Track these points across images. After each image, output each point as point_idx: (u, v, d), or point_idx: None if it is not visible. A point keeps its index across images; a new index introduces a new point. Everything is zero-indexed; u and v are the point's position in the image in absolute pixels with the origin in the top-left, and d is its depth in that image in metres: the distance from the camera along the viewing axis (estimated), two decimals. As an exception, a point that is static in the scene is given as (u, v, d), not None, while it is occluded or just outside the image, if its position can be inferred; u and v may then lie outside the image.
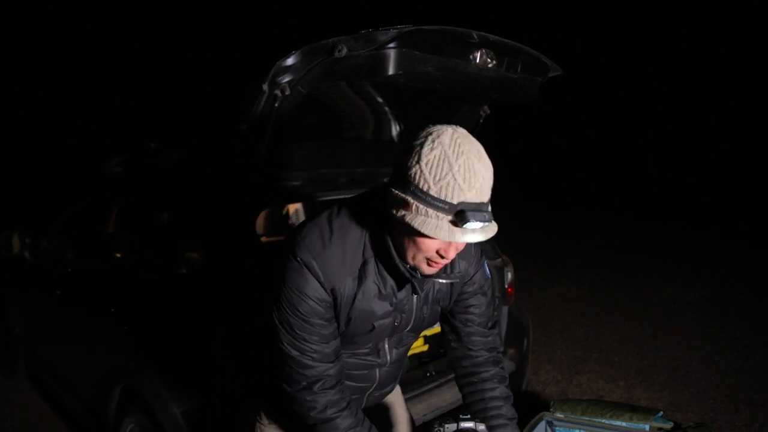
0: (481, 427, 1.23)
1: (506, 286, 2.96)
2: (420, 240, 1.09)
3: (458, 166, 1.01)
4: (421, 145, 1.04)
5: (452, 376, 2.57)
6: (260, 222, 2.86)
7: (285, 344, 1.22)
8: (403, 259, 1.18)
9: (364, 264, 1.22)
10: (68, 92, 12.60)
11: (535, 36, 4.34)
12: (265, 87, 1.70)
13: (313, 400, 1.23)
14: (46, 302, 3.15)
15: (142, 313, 2.37)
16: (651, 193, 13.01)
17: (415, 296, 1.31)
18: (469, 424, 1.18)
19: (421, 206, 1.03)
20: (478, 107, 2.41)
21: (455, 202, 1.01)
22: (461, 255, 1.34)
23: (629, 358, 4.21)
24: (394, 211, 1.08)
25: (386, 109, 2.62)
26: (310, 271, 1.17)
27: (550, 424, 2.10)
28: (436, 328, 3.08)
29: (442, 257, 1.12)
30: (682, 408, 3.46)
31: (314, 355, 1.22)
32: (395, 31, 1.57)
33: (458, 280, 1.33)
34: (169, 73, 13.36)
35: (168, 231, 3.02)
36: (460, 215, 1.00)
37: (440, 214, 1.02)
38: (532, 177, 14.51)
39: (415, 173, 1.03)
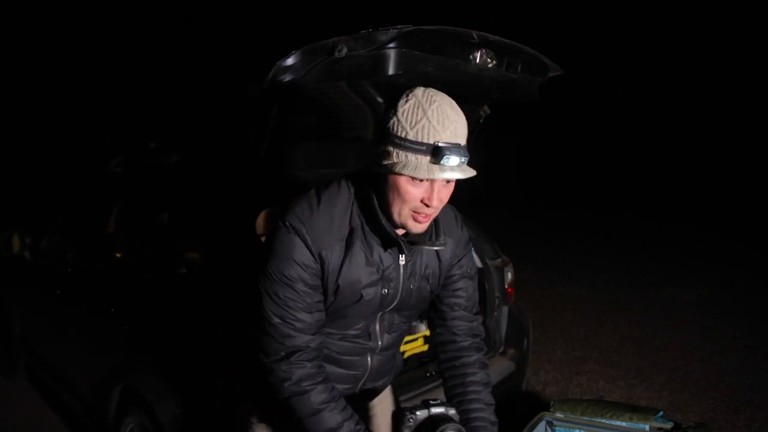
0: (452, 411, 1.22)
1: (506, 286, 2.96)
2: (404, 189, 1.15)
3: (431, 111, 1.10)
4: (396, 101, 1.14)
5: (452, 376, 2.58)
6: (260, 222, 2.85)
7: (268, 312, 1.23)
8: (390, 220, 1.22)
9: (351, 232, 1.25)
10: (68, 92, 12.60)
11: (535, 36, 4.34)
12: (265, 87, 1.70)
13: (288, 371, 1.23)
14: (46, 302, 3.15)
15: (142, 313, 2.37)
16: (651, 193, 13.01)
17: (402, 265, 1.31)
18: (440, 410, 1.17)
19: (400, 152, 1.11)
20: (478, 107, 2.41)
21: (431, 141, 1.09)
22: (447, 231, 1.38)
23: (629, 358, 4.21)
24: (378, 167, 1.16)
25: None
26: (298, 235, 1.21)
27: (550, 424, 2.10)
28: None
29: (427, 206, 1.17)
30: (682, 408, 3.46)
31: (296, 324, 1.22)
32: (395, 31, 1.57)
33: (443, 248, 1.35)
34: (169, 73, 13.37)
35: (168, 231, 3.02)
36: (437, 152, 1.08)
37: (419, 156, 1.10)
38: (532, 177, 14.51)
39: (393, 124, 1.12)
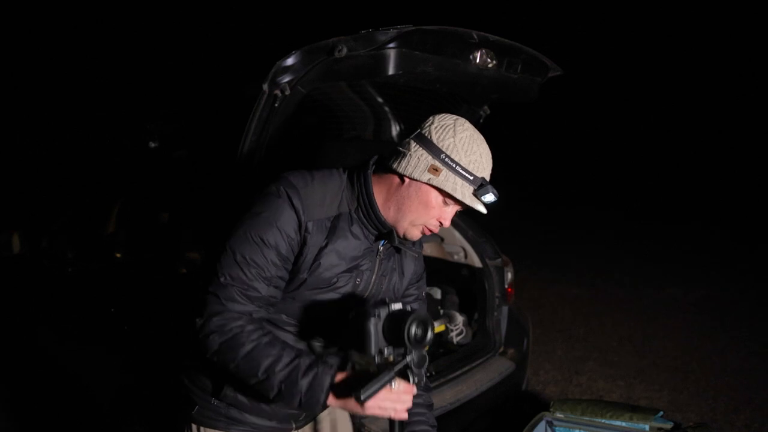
0: (408, 308, 1.21)
1: (506, 286, 2.96)
2: (433, 204, 1.22)
3: (483, 149, 1.21)
4: (454, 124, 1.20)
5: (452, 376, 2.58)
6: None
7: (223, 270, 1.18)
8: (393, 222, 1.27)
9: (339, 216, 1.26)
10: (68, 92, 12.60)
11: (535, 36, 4.34)
12: (265, 87, 1.70)
13: (221, 325, 1.17)
14: (48, 300, 3.15)
15: (142, 312, 2.38)
16: (651, 193, 13.01)
17: (378, 260, 1.33)
18: (398, 306, 1.15)
19: (449, 173, 1.18)
20: (478, 107, 2.41)
21: (479, 175, 1.19)
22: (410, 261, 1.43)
23: (629, 358, 4.21)
24: (417, 174, 1.19)
25: (386, 109, 2.62)
26: (291, 201, 1.20)
27: (550, 424, 2.10)
28: (437, 328, 3.09)
29: (440, 225, 1.26)
30: (682, 408, 3.46)
31: (248, 292, 1.18)
32: (395, 31, 1.57)
33: (417, 256, 1.45)
34: (170, 73, 13.36)
35: (168, 231, 3.02)
36: (482, 187, 1.18)
37: (465, 183, 1.18)
38: (532, 177, 14.51)
39: (449, 145, 1.18)
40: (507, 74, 1.94)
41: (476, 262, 3.01)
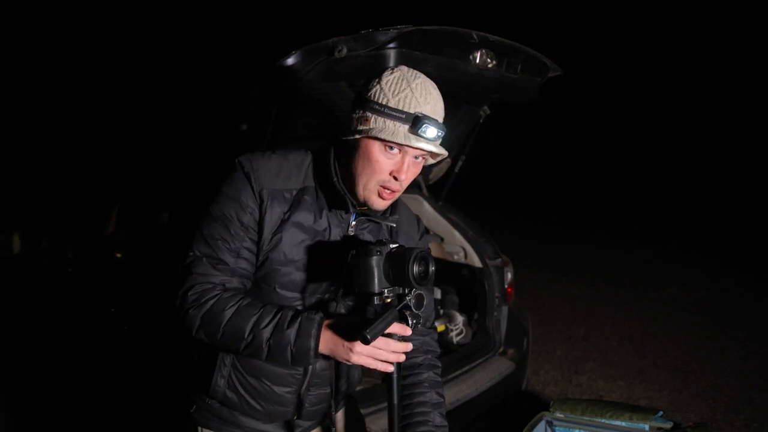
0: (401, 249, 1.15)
1: (506, 286, 2.96)
2: (375, 157, 1.14)
3: (415, 84, 1.13)
4: (383, 72, 1.15)
5: (452, 376, 2.58)
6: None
7: (195, 250, 1.20)
8: (352, 192, 1.20)
9: (303, 190, 1.23)
10: (68, 92, 12.60)
11: (535, 36, 4.34)
12: (266, 87, 1.70)
13: (198, 298, 1.16)
14: (48, 300, 3.15)
15: (142, 312, 2.38)
16: (651, 193, 13.01)
17: (349, 236, 1.26)
18: (395, 245, 1.12)
19: (378, 118, 1.11)
20: (478, 107, 2.41)
21: (412, 111, 1.10)
22: (405, 228, 1.36)
23: (629, 358, 4.21)
24: (352, 132, 1.15)
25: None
26: (243, 171, 1.20)
27: (549, 423, 2.10)
28: (437, 327, 3.09)
29: (395, 179, 1.16)
30: (682, 408, 3.46)
31: (218, 265, 1.18)
32: (395, 31, 1.58)
33: (395, 225, 1.33)
34: (170, 73, 13.36)
35: (168, 231, 3.02)
36: (416, 121, 1.10)
37: (397, 123, 1.11)
38: (532, 177, 14.51)
39: (375, 91, 1.13)
40: (507, 74, 1.94)
41: (476, 262, 3.02)
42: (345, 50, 1.59)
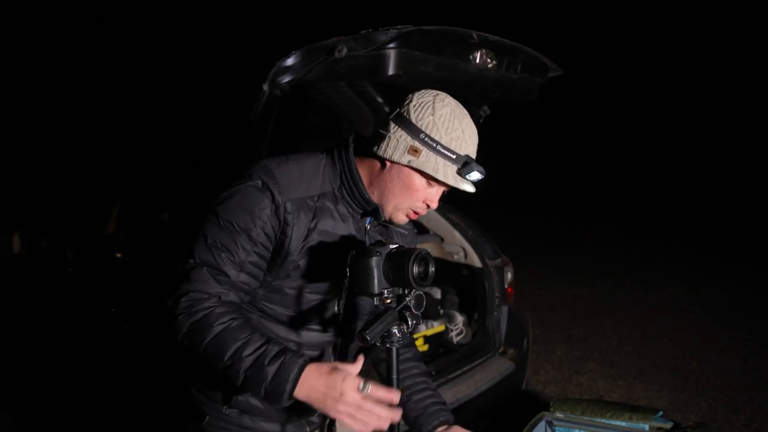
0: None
1: (506, 286, 2.96)
2: (416, 187, 1.18)
3: (465, 124, 1.16)
4: (433, 100, 1.15)
5: (451, 376, 2.58)
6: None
7: (195, 255, 1.16)
8: (381, 207, 1.22)
9: (321, 197, 1.21)
10: (68, 92, 12.60)
11: (535, 36, 4.34)
12: (265, 87, 1.70)
13: (190, 305, 1.13)
14: (49, 300, 3.15)
15: (142, 312, 2.38)
16: (651, 193, 13.01)
17: (366, 241, 1.27)
18: (395, 245, 1.12)
19: (431, 154, 1.14)
20: (478, 107, 2.41)
21: (462, 153, 1.14)
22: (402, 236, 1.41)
23: (629, 358, 4.21)
24: (396, 157, 1.15)
25: (386, 109, 2.63)
26: (263, 183, 1.16)
27: (549, 423, 2.10)
28: (437, 328, 3.09)
29: (427, 207, 1.22)
30: (682, 408, 3.46)
31: (217, 276, 1.15)
32: (395, 31, 1.57)
33: (407, 233, 1.40)
34: (170, 73, 13.36)
35: (168, 231, 3.02)
36: (466, 166, 1.14)
37: (448, 163, 1.14)
38: (532, 177, 14.51)
39: (429, 123, 1.13)
40: (507, 74, 1.94)
41: (476, 262, 3.02)
42: (345, 50, 1.59)
